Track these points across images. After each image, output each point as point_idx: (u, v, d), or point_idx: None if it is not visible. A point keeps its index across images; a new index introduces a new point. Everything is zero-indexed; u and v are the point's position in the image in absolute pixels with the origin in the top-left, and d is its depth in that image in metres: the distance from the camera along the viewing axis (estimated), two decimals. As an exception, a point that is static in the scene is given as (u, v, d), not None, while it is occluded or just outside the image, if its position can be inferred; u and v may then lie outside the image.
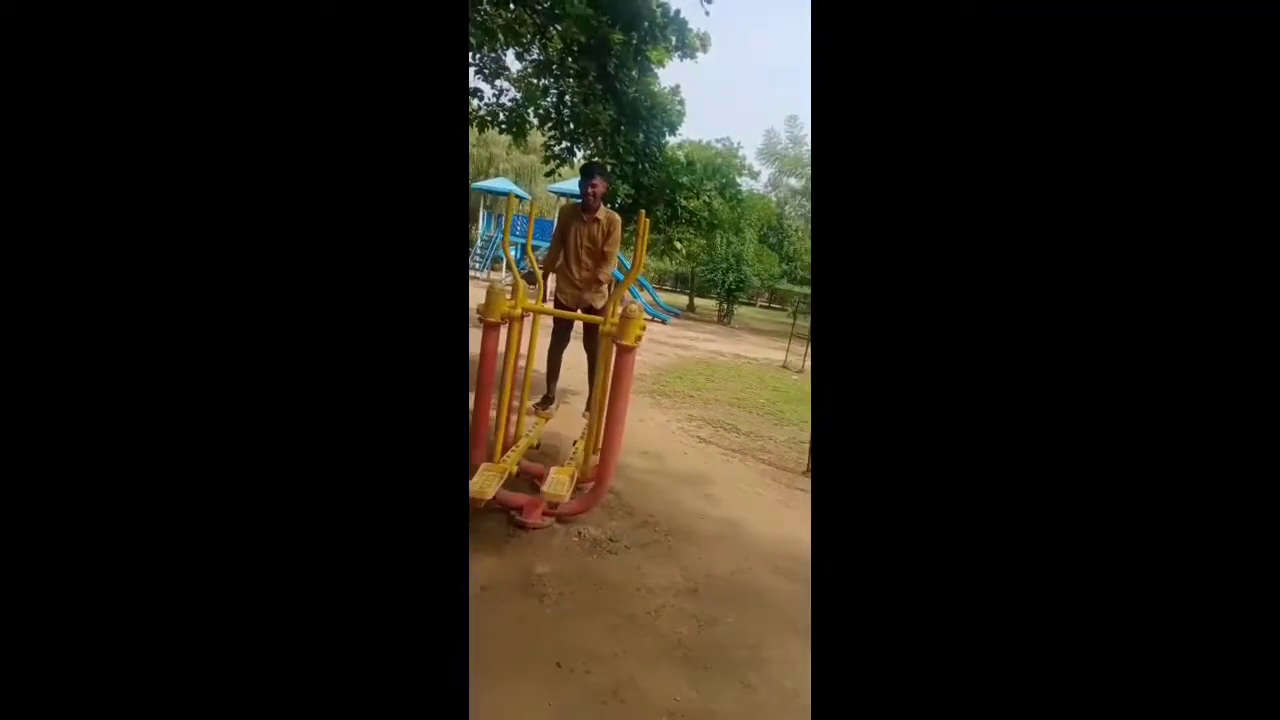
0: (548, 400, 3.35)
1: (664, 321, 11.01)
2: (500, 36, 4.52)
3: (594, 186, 3.01)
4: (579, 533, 2.26)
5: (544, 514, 2.27)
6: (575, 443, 2.94)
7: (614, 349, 2.28)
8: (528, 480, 2.60)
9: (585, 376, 3.36)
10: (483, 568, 1.93)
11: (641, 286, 10.93)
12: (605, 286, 3.22)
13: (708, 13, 4.11)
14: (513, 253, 3.32)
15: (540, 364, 3.29)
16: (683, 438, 3.79)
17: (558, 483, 2.22)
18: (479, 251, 14.57)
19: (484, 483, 2.15)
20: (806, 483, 3.22)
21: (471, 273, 13.97)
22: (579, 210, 3.10)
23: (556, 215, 3.29)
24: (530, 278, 2.93)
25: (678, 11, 4.10)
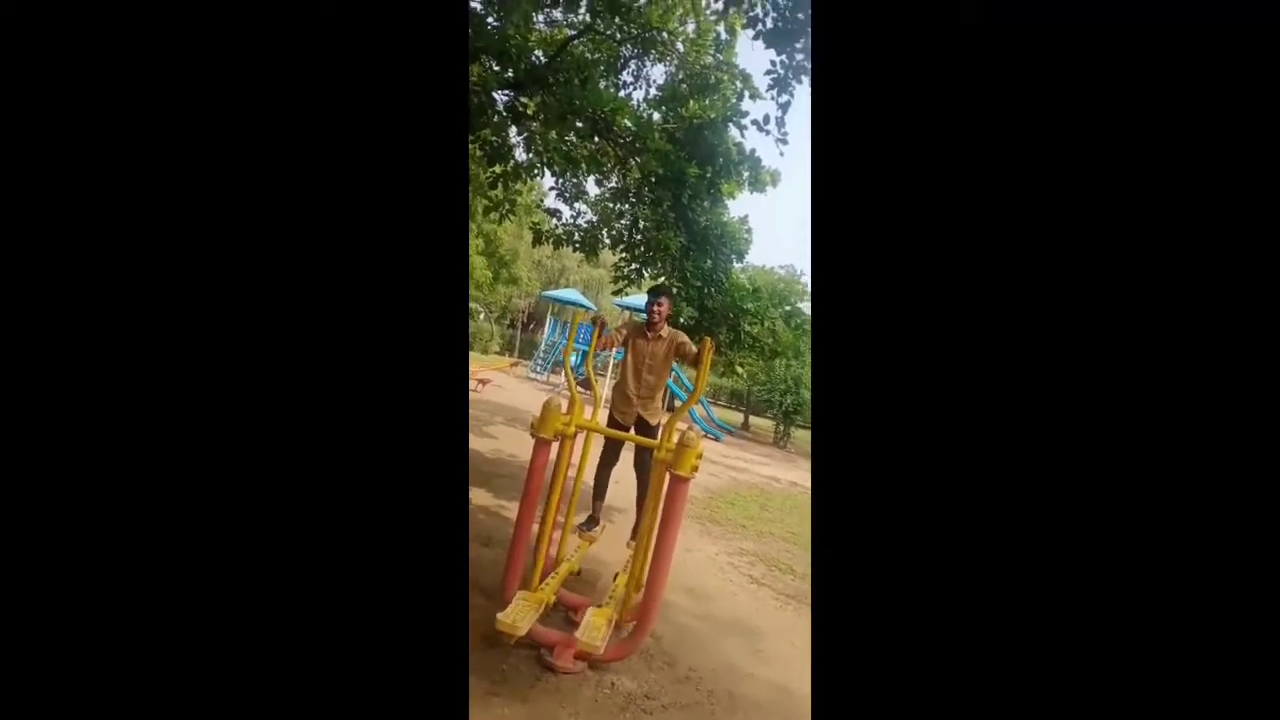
0: (592, 521, 3.19)
1: (716, 439, 10.78)
2: (583, 165, 4.85)
3: (660, 306, 3.05)
4: (613, 683, 2.03)
5: (576, 657, 2.05)
6: (616, 576, 2.70)
7: (667, 477, 2.15)
8: (563, 613, 2.42)
9: (633, 493, 3.21)
10: (504, 715, 1.74)
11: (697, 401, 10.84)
12: (660, 403, 3.15)
13: (782, 153, 4.31)
14: (573, 359, 3.32)
15: (588, 480, 3.18)
16: (733, 575, 3.51)
17: (593, 628, 1.99)
18: (541, 354, 15.00)
19: (518, 615, 1.96)
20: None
21: (530, 374, 14.33)
22: (643, 328, 3.11)
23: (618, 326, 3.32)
24: (586, 383, 2.90)
25: (753, 150, 4.32)
